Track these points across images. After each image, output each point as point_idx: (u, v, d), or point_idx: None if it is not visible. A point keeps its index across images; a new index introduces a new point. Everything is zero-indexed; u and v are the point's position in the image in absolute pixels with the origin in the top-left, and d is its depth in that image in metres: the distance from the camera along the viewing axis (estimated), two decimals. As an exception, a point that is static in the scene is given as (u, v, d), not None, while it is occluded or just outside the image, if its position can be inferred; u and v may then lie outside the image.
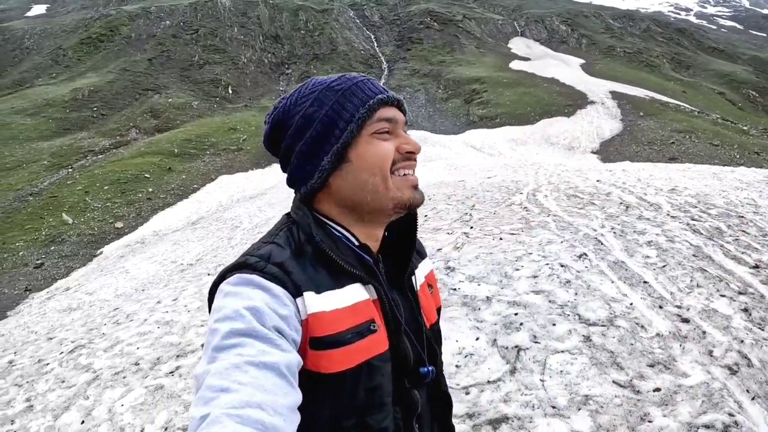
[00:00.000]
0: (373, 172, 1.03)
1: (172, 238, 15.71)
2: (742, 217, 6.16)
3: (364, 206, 1.06)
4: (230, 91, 46.82)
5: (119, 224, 19.76)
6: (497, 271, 4.82)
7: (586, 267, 4.68)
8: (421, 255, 1.29)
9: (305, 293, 0.94)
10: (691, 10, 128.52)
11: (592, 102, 36.84)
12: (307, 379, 0.91)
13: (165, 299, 7.23)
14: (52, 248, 18.01)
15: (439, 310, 1.31)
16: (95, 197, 22.42)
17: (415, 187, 1.08)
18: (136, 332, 5.69)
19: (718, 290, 4.08)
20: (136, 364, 4.69)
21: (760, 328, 3.49)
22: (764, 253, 4.79)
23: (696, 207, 6.77)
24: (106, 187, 23.47)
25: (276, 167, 23.54)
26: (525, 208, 7.63)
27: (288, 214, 1.11)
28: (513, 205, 7.95)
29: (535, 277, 4.58)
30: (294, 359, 0.85)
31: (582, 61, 55.97)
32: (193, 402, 0.76)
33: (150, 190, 23.49)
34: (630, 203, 7.26)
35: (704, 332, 3.47)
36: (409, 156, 1.07)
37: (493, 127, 35.15)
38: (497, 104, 39.19)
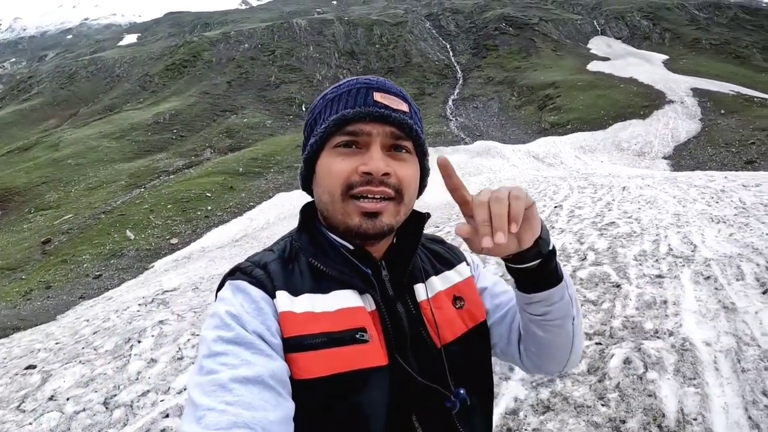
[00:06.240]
0: (324, 190, 0.96)
1: (211, 255, 16.47)
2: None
3: (327, 221, 1.00)
4: (303, 109, 48.37)
5: (174, 240, 20.98)
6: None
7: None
8: (448, 264, 1.15)
9: (278, 292, 0.90)
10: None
11: (671, 101, 35.38)
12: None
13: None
14: (112, 261, 19.49)
15: (479, 327, 1.09)
16: (158, 215, 23.99)
17: (369, 214, 0.93)
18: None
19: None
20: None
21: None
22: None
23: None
24: (169, 206, 25.03)
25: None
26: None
27: None
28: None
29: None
30: (279, 366, 0.82)
31: (665, 57, 53.10)
32: (183, 415, 0.76)
33: (209, 208, 24.76)
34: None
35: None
36: (367, 178, 0.92)
37: (563, 133, 34.40)
38: (570, 109, 38.28)
